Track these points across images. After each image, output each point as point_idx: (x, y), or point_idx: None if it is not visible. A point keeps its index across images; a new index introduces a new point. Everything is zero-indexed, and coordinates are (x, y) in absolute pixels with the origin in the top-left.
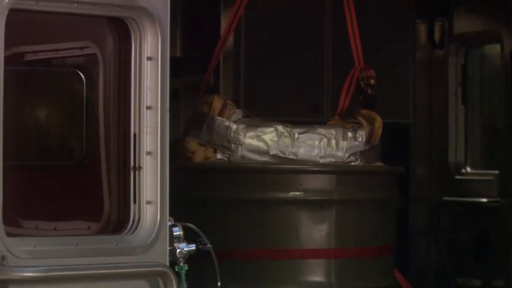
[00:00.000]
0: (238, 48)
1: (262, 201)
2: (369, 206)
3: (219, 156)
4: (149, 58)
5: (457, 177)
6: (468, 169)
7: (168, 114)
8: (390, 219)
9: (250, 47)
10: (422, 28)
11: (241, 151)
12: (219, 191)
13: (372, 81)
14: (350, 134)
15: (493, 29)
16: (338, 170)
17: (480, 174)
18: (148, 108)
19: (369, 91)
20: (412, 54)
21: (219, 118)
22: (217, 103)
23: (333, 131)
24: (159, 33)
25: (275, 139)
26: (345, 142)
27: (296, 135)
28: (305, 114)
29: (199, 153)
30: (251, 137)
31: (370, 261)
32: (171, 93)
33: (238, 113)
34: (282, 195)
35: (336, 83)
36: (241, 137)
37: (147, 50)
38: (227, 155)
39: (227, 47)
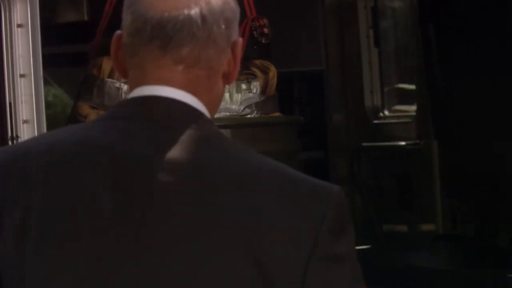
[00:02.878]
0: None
1: None
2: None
3: None
4: (19, 26)
5: (375, 121)
6: (386, 113)
7: (42, 81)
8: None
9: None
10: None
11: None
12: None
13: (265, 30)
14: (244, 86)
15: None
16: (232, 124)
17: (398, 117)
18: (22, 76)
19: (263, 41)
20: None
21: (109, 79)
22: (106, 65)
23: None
24: (28, 0)
25: None
26: (239, 95)
27: None
28: None
29: (91, 116)
30: None
31: None
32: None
33: None
34: None
35: None
36: None
37: (17, 18)
38: None
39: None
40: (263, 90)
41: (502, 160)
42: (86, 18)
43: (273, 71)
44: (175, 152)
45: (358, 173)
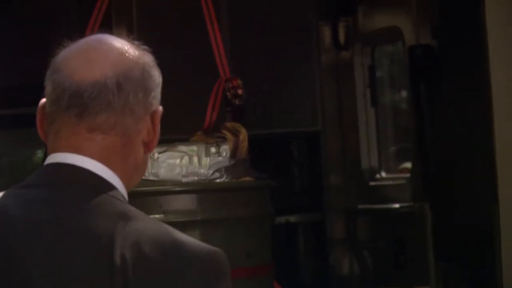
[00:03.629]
0: None
1: None
2: (237, 224)
3: None
4: None
5: (372, 183)
6: (383, 174)
7: None
8: (265, 236)
9: None
10: (325, 30)
11: None
12: None
13: (239, 91)
14: (213, 150)
15: (395, 25)
16: (199, 189)
17: (394, 179)
18: None
19: (236, 102)
20: (317, 58)
21: None
22: None
23: (194, 148)
24: None
25: None
26: (208, 159)
27: (156, 155)
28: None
29: None
30: None
31: (243, 283)
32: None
33: None
34: None
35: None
36: None
37: None
38: None
39: None
40: (233, 154)
41: (491, 222)
42: None
43: (243, 134)
44: (64, 218)
45: (354, 234)
